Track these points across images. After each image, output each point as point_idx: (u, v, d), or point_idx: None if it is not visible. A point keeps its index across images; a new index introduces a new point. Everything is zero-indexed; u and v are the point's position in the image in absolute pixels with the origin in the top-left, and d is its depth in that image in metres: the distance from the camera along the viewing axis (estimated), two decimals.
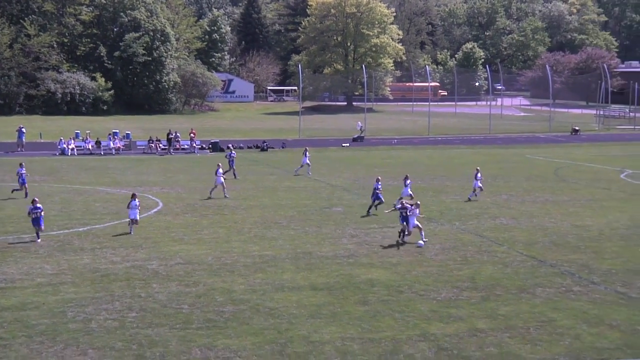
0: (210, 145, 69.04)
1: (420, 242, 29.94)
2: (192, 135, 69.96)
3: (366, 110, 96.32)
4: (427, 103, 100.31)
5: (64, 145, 65.29)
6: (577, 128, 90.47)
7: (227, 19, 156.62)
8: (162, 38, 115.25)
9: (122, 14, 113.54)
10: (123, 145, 68.56)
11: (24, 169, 41.80)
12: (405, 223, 30.15)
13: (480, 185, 41.85)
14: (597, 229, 33.91)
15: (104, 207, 38.86)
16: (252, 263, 27.53)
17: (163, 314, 21.67)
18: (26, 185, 41.15)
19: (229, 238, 31.71)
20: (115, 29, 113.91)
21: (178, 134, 70.89)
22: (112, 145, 66.32)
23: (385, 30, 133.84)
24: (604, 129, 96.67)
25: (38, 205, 30.70)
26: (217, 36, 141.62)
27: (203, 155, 66.17)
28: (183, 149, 68.92)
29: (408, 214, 29.88)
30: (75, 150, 65.45)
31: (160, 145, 68.30)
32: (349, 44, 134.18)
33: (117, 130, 72.63)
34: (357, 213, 37.52)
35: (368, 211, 37.10)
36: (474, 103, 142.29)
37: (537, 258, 28.61)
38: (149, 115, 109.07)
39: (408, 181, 38.58)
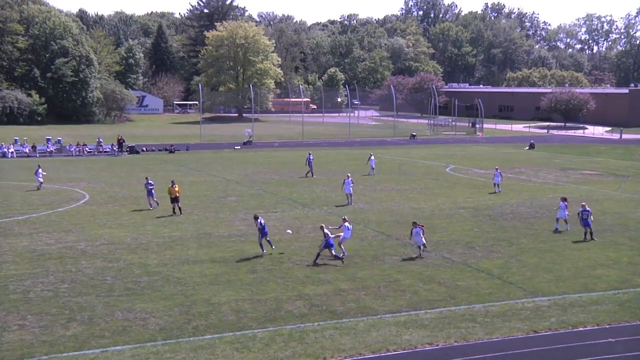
0: (129, 149, 67.23)
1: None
2: (121, 140, 67.83)
3: (253, 120, 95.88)
4: (301, 114, 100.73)
5: (5, 149, 62.31)
6: (414, 134, 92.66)
7: (140, 47, 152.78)
8: (87, 62, 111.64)
9: (52, 42, 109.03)
10: (55, 149, 65.91)
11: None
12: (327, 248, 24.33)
13: (500, 181, 40.98)
14: (429, 210, 34.90)
15: (39, 200, 37.28)
16: (163, 242, 27.02)
17: (90, 285, 21.00)
18: None
19: (144, 222, 31.01)
20: (47, 55, 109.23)
21: (101, 139, 68.75)
22: (48, 149, 63.72)
23: (267, 57, 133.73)
24: (434, 134, 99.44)
25: None
26: (133, 61, 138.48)
27: (123, 157, 64.35)
28: (106, 151, 66.81)
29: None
30: (15, 153, 62.56)
31: (86, 148, 66.06)
32: (239, 68, 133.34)
33: (50, 137, 69.74)
34: (248, 201, 37.33)
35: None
36: (337, 114, 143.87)
37: (385, 233, 29.22)
38: (77, 125, 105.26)
39: (349, 179, 36.51)
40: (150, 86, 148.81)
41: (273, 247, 25.46)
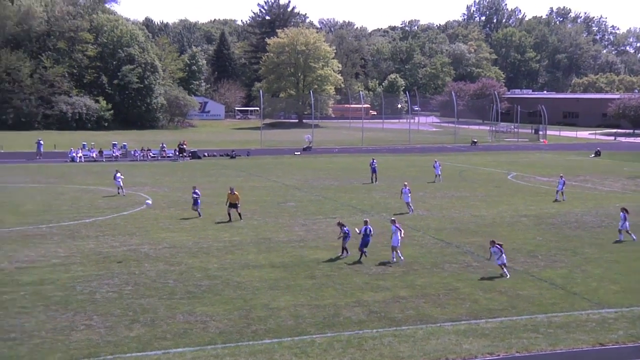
0: (191, 154, 68.44)
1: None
2: (184, 145, 69.19)
3: (313, 126, 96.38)
4: (361, 120, 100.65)
5: (74, 154, 64.24)
6: (475, 140, 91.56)
7: (203, 54, 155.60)
8: (152, 69, 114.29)
9: (120, 50, 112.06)
10: (120, 154, 67.63)
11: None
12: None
13: (563, 188, 40.33)
14: (490, 218, 34.36)
15: (106, 203, 38.28)
16: (223, 247, 27.36)
17: (153, 287, 21.42)
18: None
19: (205, 227, 31.47)
20: (114, 62, 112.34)
21: (164, 145, 70.20)
22: (113, 154, 65.48)
23: (328, 63, 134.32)
24: (495, 141, 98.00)
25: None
26: (196, 67, 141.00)
27: (185, 162, 65.57)
28: (169, 156, 68.17)
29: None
30: (83, 158, 64.44)
31: (150, 153, 67.56)
32: (299, 74, 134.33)
33: (116, 142, 71.61)
34: (307, 207, 37.48)
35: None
36: (397, 120, 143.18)
37: (445, 241, 28.90)
38: (141, 130, 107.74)
39: (406, 188, 35.94)
40: (212, 92, 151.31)
41: (365, 255, 25.22)
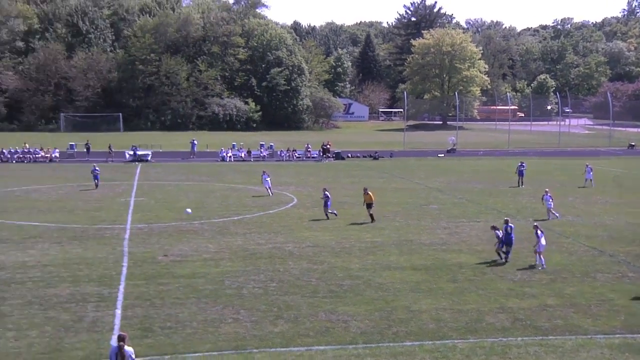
0: (334, 155, 69.49)
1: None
2: (328, 146, 70.45)
3: (458, 128, 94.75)
4: (508, 122, 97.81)
5: (224, 154, 67.12)
6: (633, 144, 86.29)
7: (348, 56, 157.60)
8: (299, 71, 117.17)
9: (268, 53, 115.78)
10: (267, 154, 69.87)
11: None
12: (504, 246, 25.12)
13: None
14: None
15: (253, 202, 39.70)
16: (365, 247, 27.54)
17: (296, 285, 21.93)
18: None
19: (347, 227, 31.82)
20: (263, 65, 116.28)
21: (309, 145, 71.73)
22: (260, 154, 67.90)
23: (474, 64, 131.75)
24: None
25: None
26: (341, 69, 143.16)
27: (329, 162, 66.66)
28: (313, 157, 69.58)
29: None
30: (232, 157, 67.15)
31: (295, 154, 69.27)
32: (444, 76, 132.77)
33: (263, 143, 74.06)
34: (450, 210, 36.94)
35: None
36: (545, 122, 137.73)
37: (597, 249, 27.44)
38: (287, 131, 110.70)
39: (547, 195, 34.52)
40: (356, 94, 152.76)
41: (507, 258, 24.84)
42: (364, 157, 70.66)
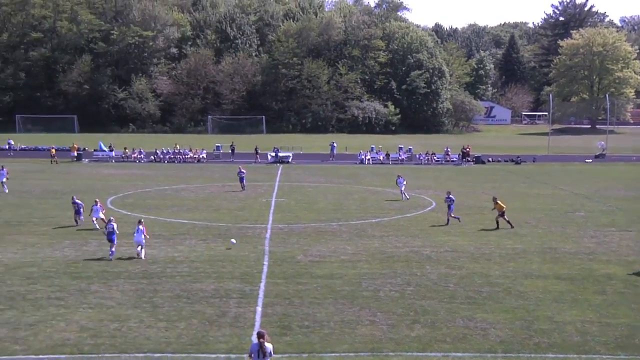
0: (475, 159, 68.12)
1: None
2: (468, 149, 69.20)
3: (608, 131, 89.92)
4: None
5: (362, 156, 67.66)
6: None
7: (491, 58, 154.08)
8: (439, 74, 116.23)
9: (409, 56, 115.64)
10: (406, 157, 69.67)
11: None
12: None
13: None
14: None
15: (390, 205, 39.68)
16: (505, 254, 26.79)
17: (434, 290, 21.71)
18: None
19: (487, 233, 31.10)
20: (403, 68, 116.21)
21: (449, 149, 70.77)
22: (399, 157, 67.84)
23: (628, 65, 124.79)
24: None
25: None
26: (483, 72, 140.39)
27: (468, 166, 65.44)
28: (453, 161, 68.59)
29: None
30: (371, 160, 67.54)
31: (435, 157, 68.57)
32: (594, 77, 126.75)
33: (402, 146, 73.86)
34: (598, 218, 35.13)
35: None
36: None
37: None
38: (426, 134, 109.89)
39: None
40: (498, 97, 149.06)
41: None
42: (505, 161, 68.74)
